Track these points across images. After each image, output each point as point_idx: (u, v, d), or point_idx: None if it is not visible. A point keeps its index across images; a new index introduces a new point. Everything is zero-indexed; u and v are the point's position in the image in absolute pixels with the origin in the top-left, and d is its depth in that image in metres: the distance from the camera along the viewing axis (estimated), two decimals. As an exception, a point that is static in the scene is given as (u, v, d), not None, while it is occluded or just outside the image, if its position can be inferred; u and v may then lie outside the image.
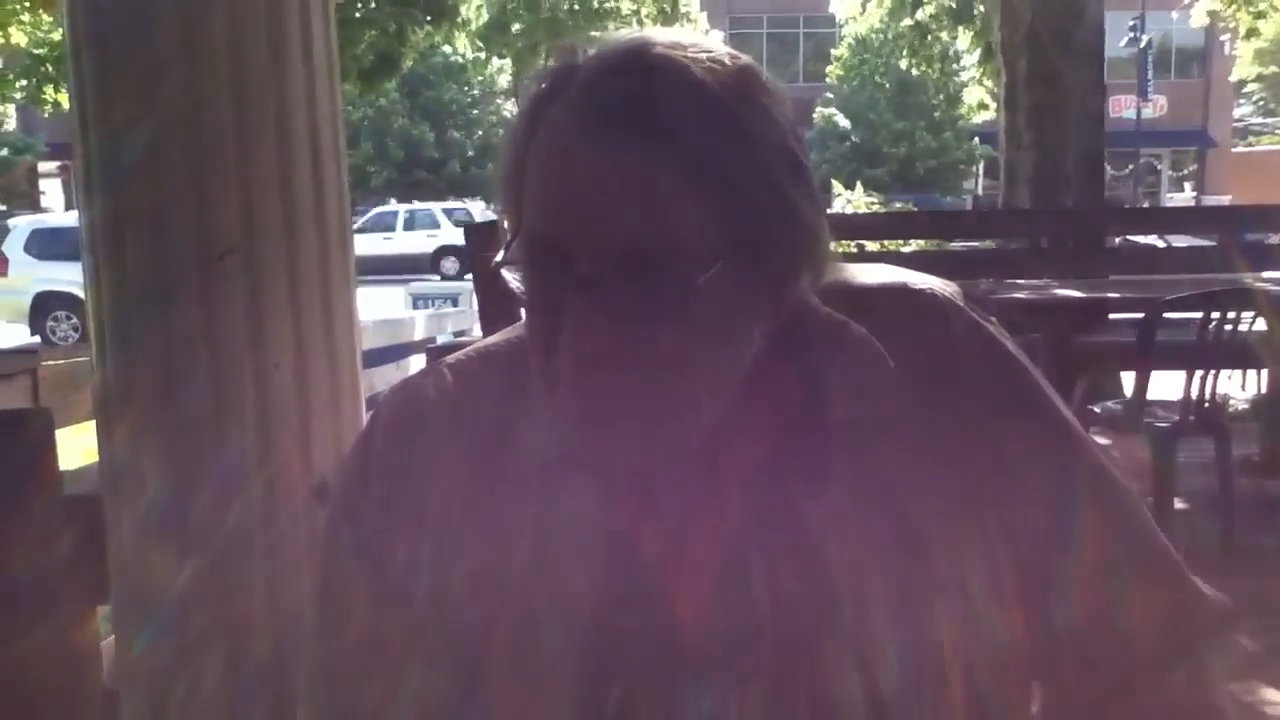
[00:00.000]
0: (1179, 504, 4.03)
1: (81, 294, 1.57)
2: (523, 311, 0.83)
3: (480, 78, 30.32)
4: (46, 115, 13.74)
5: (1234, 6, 12.16)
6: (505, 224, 0.80)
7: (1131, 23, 26.35)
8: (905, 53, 15.94)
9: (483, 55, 13.78)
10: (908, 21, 13.76)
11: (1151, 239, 9.32)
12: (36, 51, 12.45)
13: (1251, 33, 12.80)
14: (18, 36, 12.08)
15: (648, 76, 0.72)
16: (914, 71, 26.30)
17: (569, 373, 0.75)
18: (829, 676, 0.77)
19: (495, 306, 3.87)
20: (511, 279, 0.78)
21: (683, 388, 0.75)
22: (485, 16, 13.20)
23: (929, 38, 14.03)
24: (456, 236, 19.98)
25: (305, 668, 0.91)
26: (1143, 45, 26.84)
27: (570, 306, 0.73)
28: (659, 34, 0.76)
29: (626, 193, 0.71)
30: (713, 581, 0.80)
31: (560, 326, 0.74)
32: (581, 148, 0.72)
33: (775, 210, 0.74)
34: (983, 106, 14.78)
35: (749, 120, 0.73)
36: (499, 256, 0.78)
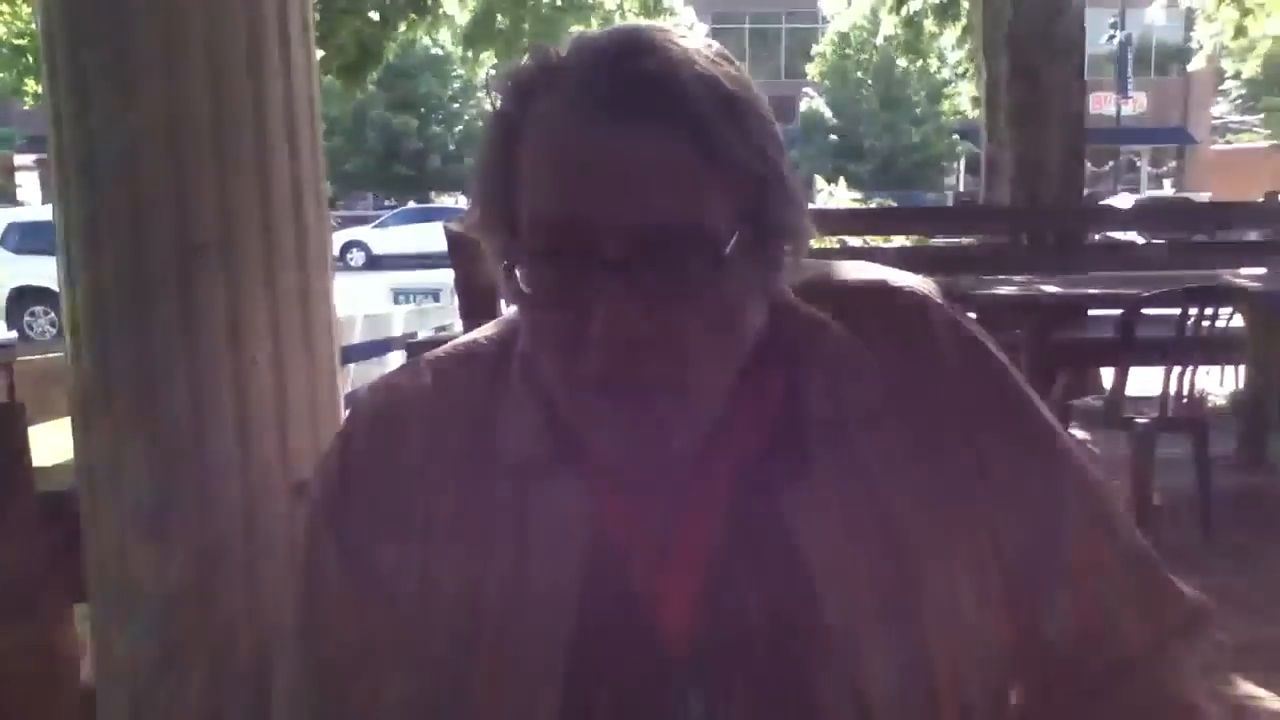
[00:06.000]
0: (1157, 500, 4.05)
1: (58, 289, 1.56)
2: (504, 308, 0.82)
3: (463, 72, 30.22)
4: (27, 107, 13.59)
5: (1222, 3, 12.18)
6: (484, 226, 0.78)
7: (1111, 20, 26.50)
8: (899, 49, 15.95)
9: (469, 54, 13.66)
10: (895, 18, 13.74)
11: (1131, 235, 9.37)
12: (18, 42, 12.30)
13: (1240, 31, 12.77)
14: (-1, 28, 11.96)
15: (647, 57, 0.72)
16: (908, 65, 26.20)
17: (602, 365, 0.72)
18: (816, 679, 0.77)
19: (477, 303, 3.86)
20: (509, 280, 0.76)
21: (705, 369, 0.75)
22: (469, 13, 13.13)
23: (921, 33, 14.00)
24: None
25: (286, 668, 0.90)
26: (1122, 42, 26.99)
27: (598, 295, 0.71)
28: (643, 24, 0.77)
29: (649, 171, 0.71)
30: (698, 583, 0.79)
31: (585, 320, 0.72)
32: (594, 132, 0.71)
33: (771, 180, 0.75)
34: (977, 103, 14.82)
35: (738, 94, 0.74)
36: (501, 255, 0.77)
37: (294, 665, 0.89)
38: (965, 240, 7.75)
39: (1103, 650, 0.86)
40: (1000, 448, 0.84)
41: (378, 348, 6.53)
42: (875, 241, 8.04)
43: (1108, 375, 4.59)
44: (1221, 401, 4.41)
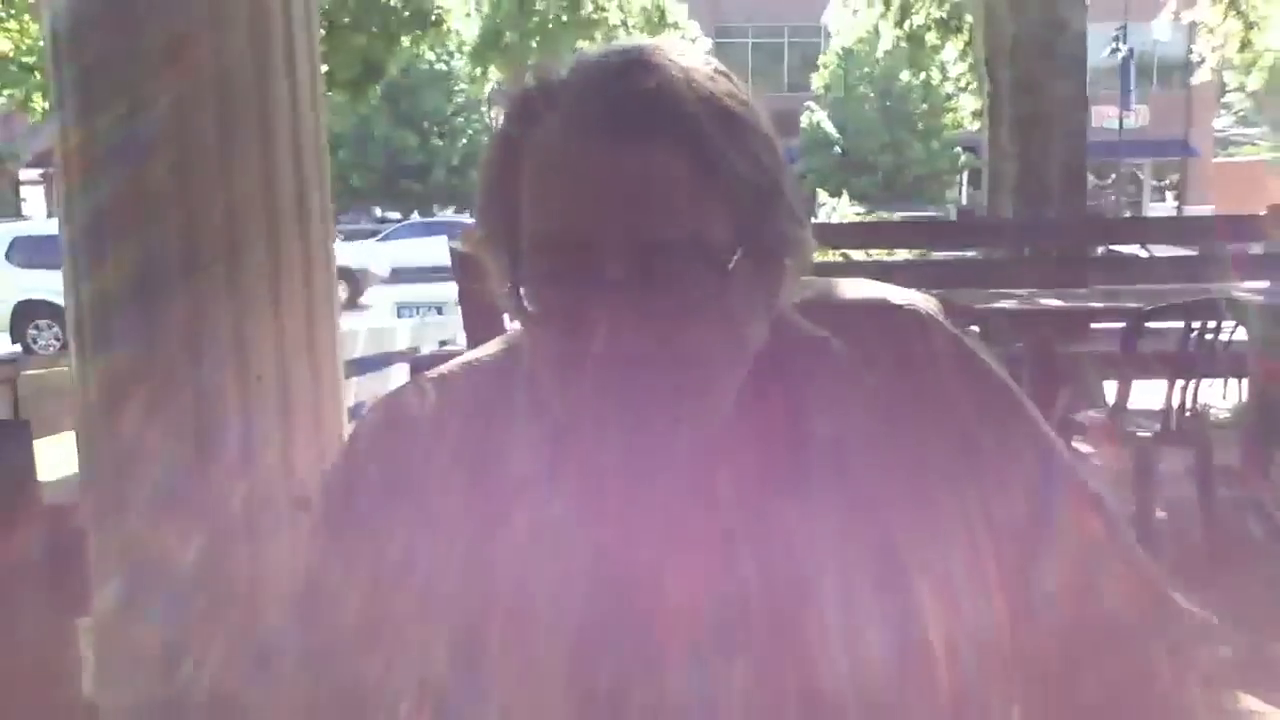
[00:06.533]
0: (1159, 513, 4.04)
1: (63, 302, 1.56)
2: (509, 323, 0.83)
3: (465, 88, 30.29)
4: (34, 122, 13.64)
5: (1227, 16, 12.20)
6: (488, 245, 0.79)
7: (1114, 33, 26.52)
8: (907, 62, 15.96)
9: (477, 70, 13.71)
10: (899, 32, 13.75)
11: (1134, 249, 9.37)
12: (25, 59, 12.34)
13: (1244, 44, 12.78)
14: (3, 44, 11.98)
15: (646, 76, 0.73)
16: (910, 79, 26.09)
17: (605, 381, 0.73)
18: (815, 657, 0.78)
19: (481, 320, 3.87)
20: (513, 299, 0.77)
21: (708, 385, 0.76)
22: (476, 31, 13.17)
23: (923, 46, 14.02)
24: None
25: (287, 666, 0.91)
26: (1125, 55, 27.01)
27: (601, 312, 0.72)
28: (643, 41, 0.78)
29: (648, 189, 0.72)
30: (699, 596, 0.80)
31: (588, 337, 0.72)
32: (593, 150, 0.72)
33: (771, 195, 0.75)
34: (979, 116, 14.83)
35: (737, 110, 0.75)
36: (505, 274, 0.77)
37: (294, 668, 0.90)
38: (968, 253, 7.76)
39: (1101, 620, 0.86)
40: (1000, 466, 0.84)
41: (381, 361, 6.52)
42: (878, 255, 8.06)
43: (1111, 389, 4.58)
44: (1225, 415, 4.41)
